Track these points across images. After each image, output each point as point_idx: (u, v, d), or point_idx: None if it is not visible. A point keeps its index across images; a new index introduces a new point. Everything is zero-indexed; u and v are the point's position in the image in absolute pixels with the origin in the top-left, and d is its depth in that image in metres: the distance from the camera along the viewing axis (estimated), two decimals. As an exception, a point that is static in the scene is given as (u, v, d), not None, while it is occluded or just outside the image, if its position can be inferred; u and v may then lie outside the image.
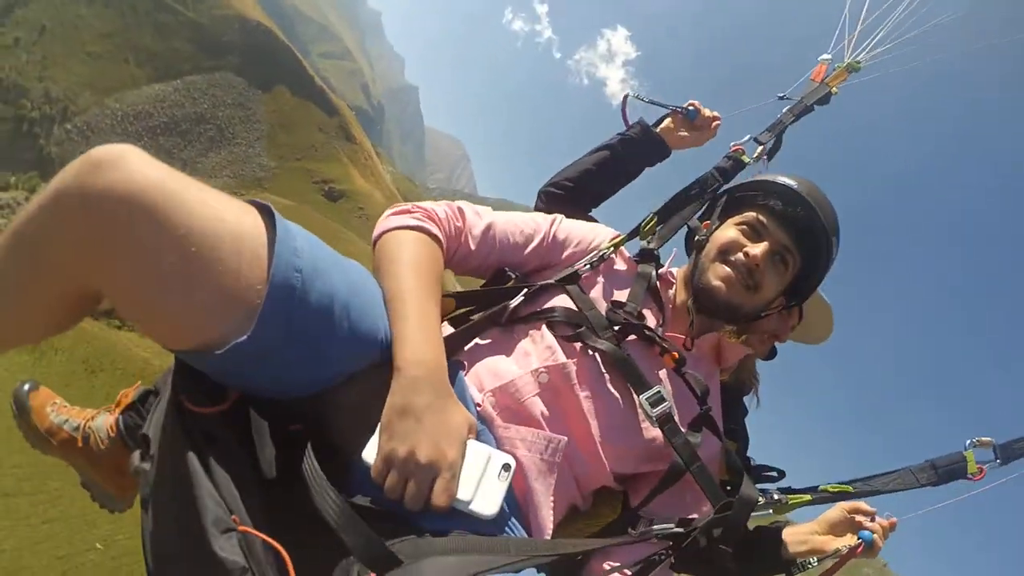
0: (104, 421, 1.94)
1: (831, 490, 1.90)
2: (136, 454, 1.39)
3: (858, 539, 1.73)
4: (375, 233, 1.68)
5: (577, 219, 2.09)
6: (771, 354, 2.38)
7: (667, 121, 2.60)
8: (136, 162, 1.08)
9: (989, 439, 1.91)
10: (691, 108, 2.54)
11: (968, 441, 1.91)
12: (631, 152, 2.57)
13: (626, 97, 2.68)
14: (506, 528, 1.42)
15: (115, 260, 1.08)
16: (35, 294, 1.18)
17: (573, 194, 2.52)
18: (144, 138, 71.97)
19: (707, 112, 2.55)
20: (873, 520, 1.79)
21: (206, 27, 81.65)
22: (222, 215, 1.14)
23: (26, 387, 1.99)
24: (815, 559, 1.76)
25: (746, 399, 2.38)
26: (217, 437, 1.21)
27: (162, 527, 1.25)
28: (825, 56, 2.62)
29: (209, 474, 1.14)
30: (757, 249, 1.86)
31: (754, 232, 1.90)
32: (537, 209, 2.49)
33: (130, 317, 1.15)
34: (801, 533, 1.84)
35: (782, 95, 2.60)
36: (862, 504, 1.83)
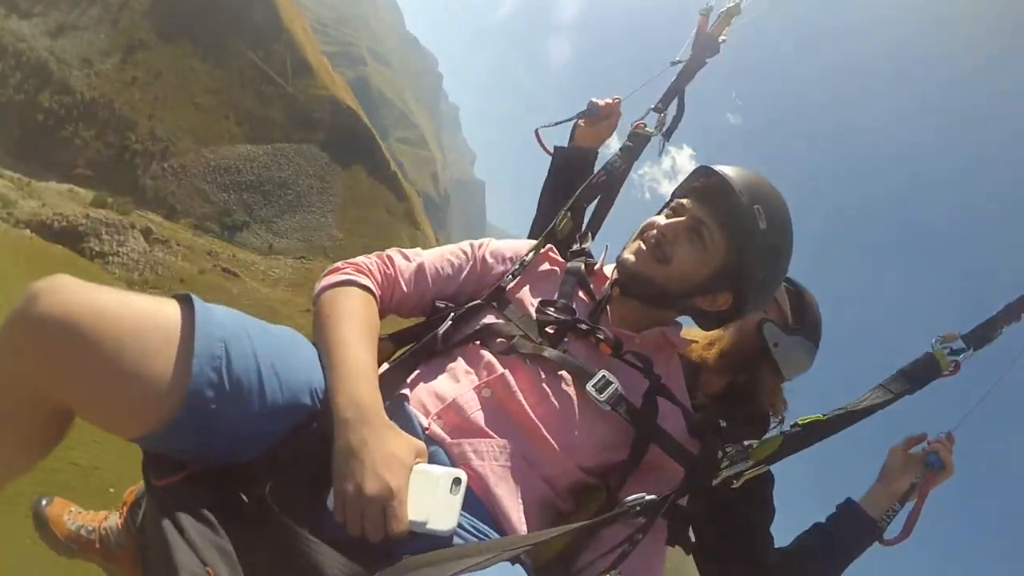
0: (115, 520, 2.09)
1: (801, 423, 1.74)
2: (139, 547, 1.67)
3: (927, 466, 1.79)
4: (313, 295, 1.77)
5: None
6: (758, 351, 2.36)
7: (577, 129, 2.67)
8: (66, 287, 1.22)
9: (954, 332, 1.82)
10: (590, 106, 2.59)
11: (933, 340, 1.82)
12: (564, 176, 2.62)
13: (537, 131, 2.68)
14: (480, 536, 1.48)
15: (61, 369, 1.21)
16: (13, 419, 1.32)
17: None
18: (230, 191, 78.39)
19: (604, 101, 2.59)
20: (929, 443, 1.85)
21: (301, 102, 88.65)
22: (143, 312, 1.27)
23: (43, 502, 2.14)
24: (898, 505, 1.80)
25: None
26: (184, 503, 1.29)
27: None
28: (704, 6, 2.55)
29: (183, 534, 1.22)
30: (663, 220, 1.86)
31: (675, 213, 1.88)
32: None
33: (87, 418, 1.28)
34: (874, 495, 1.89)
35: (674, 60, 2.61)
36: (910, 436, 1.91)
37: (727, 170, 1.81)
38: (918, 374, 1.78)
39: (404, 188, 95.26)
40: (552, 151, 2.68)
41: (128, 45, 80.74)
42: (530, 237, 2.47)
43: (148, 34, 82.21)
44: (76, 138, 77.01)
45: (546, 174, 2.72)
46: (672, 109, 2.64)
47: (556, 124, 2.74)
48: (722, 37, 2.56)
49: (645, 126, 2.53)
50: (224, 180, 79.57)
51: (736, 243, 1.80)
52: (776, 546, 2.03)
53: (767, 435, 1.75)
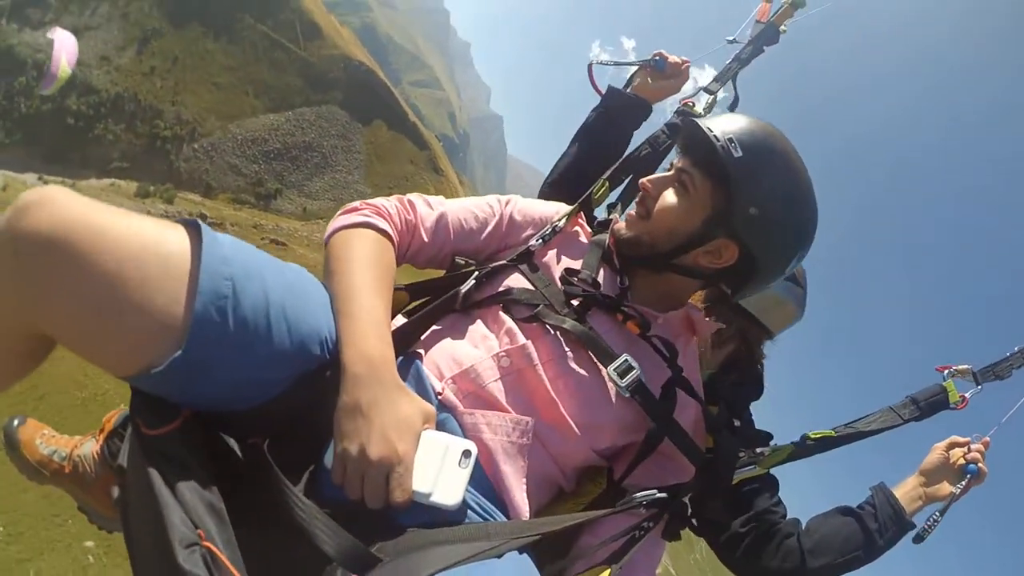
0: (90, 447, 1.96)
1: (813, 437, 1.77)
2: (114, 486, 1.51)
3: (966, 474, 1.81)
4: (325, 236, 1.64)
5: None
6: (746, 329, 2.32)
7: (638, 78, 2.46)
8: (60, 201, 1.09)
9: (967, 366, 1.84)
10: (658, 58, 2.39)
11: (946, 371, 1.84)
12: (609, 122, 2.44)
13: (591, 65, 2.49)
14: (484, 514, 1.41)
15: (49, 295, 1.09)
16: None
17: (569, 187, 2.27)
18: (260, 161, 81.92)
19: (674, 58, 2.40)
20: (969, 450, 1.85)
21: (315, 65, 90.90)
22: (146, 238, 1.14)
23: (15, 422, 2.01)
24: (939, 515, 1.79)
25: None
26: (176, 455, 1.19)
27: (137, 547, 1.28)
28: None
29: (174, 492, 1.13)
30: (645, 178, 1.80)
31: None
32: None
33: (74, 350, 1.16)
34: (910, 489, 1.89)
35: (731, 38, 2.47)
36: (955, 438, 1.90)
37: (703, 120, 1.72)
38: (928, 404, 1.82)
39: (424, 136, 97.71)
40: (604, 92, 2.50)
41: (142, 37, 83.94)
42: (554, 173, 2.46)
43: (159, 22, 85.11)
44: (108, 133, 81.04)
45: (591, 111, 2.51)
46: (725, 92, 2.50)
47: (614, 64, 2.60)
48: (783, 27, 2.43)
49: (693, 104, 2.40)
50: (253, 151, 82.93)
51: (718, 181, 1.66)
52: (804, 526, 1.99)
53: (782, 447, 1.79)
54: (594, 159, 2.36)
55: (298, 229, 65.85)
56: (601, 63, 2.55)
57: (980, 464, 1.82)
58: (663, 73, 2.41)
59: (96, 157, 79.16)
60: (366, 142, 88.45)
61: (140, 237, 1.14)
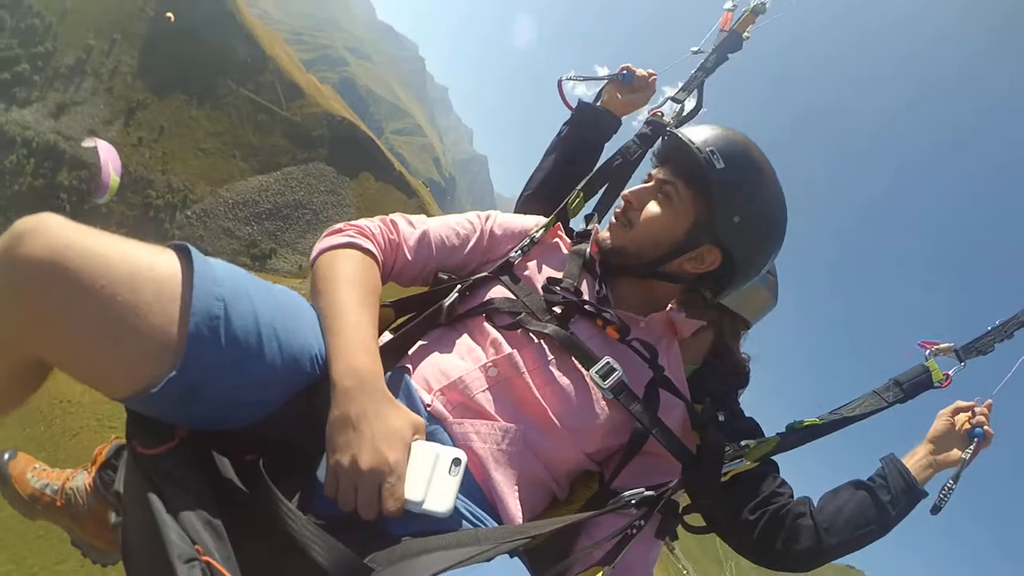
0: (82, 480, 1.95)
1: (798, 428, 1.77)
2: (112, 511, 1.58)
3: (973, 438, 1.84)
4: (311, 257, 1.68)
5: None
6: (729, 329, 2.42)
7: (606, 92, 2.55)
8: (55, 227, 1.10)
9: (948, 344, 1.86)
10: (625, 72, 2.50)
11: (927, 351, 1.86)
12: (580, 136, 2.52)
13: (560, 81, 2.61)
14: (476, 521, 1.42)
15: (45, 321, 1.10)
16: None
17: (545, 198, 2.38)
18: (252, 223, 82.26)
19: (641, 71, 2.50)
20: (974, 415, 1.88)
21: (299, 124, 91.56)
22: (139, 262, 1.15)
23: (5, 456, 1.99)
24: (952, 482, 1.80)
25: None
26: (172, 474, 1.21)
27: (136, 566, 1.29)
28: (728, 4, 2.49)
29: (171, 510, 1.15)
30: (630, 190, 1.84)
31: (645, 183, 1.88)
32: None
33: (71, 374, 1.16)
34: (919, 458, 1.90)
35: (695, 49, 2.50)
36: (959, 403, 1.92)
37: (680, 129, 1.83)
38: (911, 384, 1.81)
39: (411, 184, 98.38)
40: (574, 106, 2.56)
41: (127, 108, 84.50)
42: (529, 186, 2.50)
43: (143, 94, 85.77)
44: (102, 207, 79.46)
45: (562, 125, 2.59)
46: (689, 101, 2.54)
47: (584, 79, 2.65)
48: (746, 34, 2.49)
49: (662, 115, 2.42)
50: (245, 214, 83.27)
51: (700, 191, 1.76)
52: (820, 498, 1.98)
53: (768, 439, 1.76)
54: (567, 172, 2.45)
55: (296, 287, 62.14)
56: (571, 79, 2.70)
57: (986, 427, 1.86)
58: (631, 87, 2.54)
59: (90, 231, 78.50)
60: (355, 195, 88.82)
61: (133, 261, 1.15)
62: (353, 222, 1.77)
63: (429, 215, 1.94)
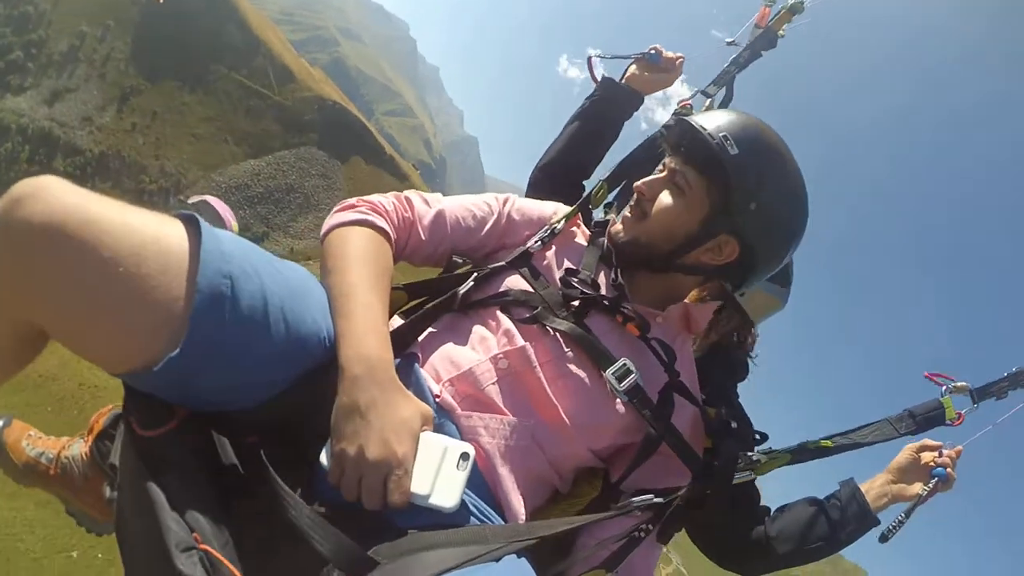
0: (79, 449, 1.92)
1: (810, 447, 1.75)
2: (106, 485, 1.54)
3: (933, 477, 1.83)
4: (321, 232, 1.62)
5: (564, 196, 2.05)
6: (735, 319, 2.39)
7: (632, 69, 2.55)
8: (56, 191, 1.04)
9: (965, 384, 1.82)
10: (653, 52, 2.48)
11: (944, 387, 1.82)
12: (602, 110, 2.53)
13: (590, 58, 2.57)
14: (481, 517, 1.39)
15: (42, 288, 1.05)
16: None
17: (559, 172, 2.45)
18: (244, 207, 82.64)
19: (669, 53, 2.49)
20: (940, 455, 1.87)
21: (290, 108, 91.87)
22: (144, 232, 1.10)
23: (0, 424, 1.94)
24: (904, 516, 1.82)
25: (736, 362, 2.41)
26: (171, 458, 1.17)
27: (132, 550, 1.25)
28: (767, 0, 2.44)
29: (169, 496, 1.11)
30: (640, 181, 1.79)
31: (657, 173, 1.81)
32: (528, 196, 2.23)
33: (68, 346, 1.12)
34: (877, 486, 1.92)
35: (730, 40, 2.50)
36: (927, 441, 1.91)
37: (693, 118, 1.75)
38: (925, 419, 1.80)
39: (402, 167, 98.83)
40: (599, 80, 2.57)
41: (120, 95, 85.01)
42: (546, 156, 2.54)
43: (136, 80, 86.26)
44: (96, 192, 79.66)
45: (585, 99, 2.62)
46: (720, 94, 2.59)
47: (613, 58, 2.64)
48: (781, 32, 2.43)
49: (691, 107, 2.41)
50: (237, 198, 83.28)
51: (714, 179, 1.69)
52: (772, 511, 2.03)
53: (777, 450, 1.75)
54: (585, 145, 2.52)
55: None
56: (600, 57, 2.64)
57: (949, 470, 1.85)
58: (657, 66, 2.55)
59: (85, 216, 79.05)
60: (346, 179, 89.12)
61: (139, 231, 1.10)
62: (366, 198, 1.71)
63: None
